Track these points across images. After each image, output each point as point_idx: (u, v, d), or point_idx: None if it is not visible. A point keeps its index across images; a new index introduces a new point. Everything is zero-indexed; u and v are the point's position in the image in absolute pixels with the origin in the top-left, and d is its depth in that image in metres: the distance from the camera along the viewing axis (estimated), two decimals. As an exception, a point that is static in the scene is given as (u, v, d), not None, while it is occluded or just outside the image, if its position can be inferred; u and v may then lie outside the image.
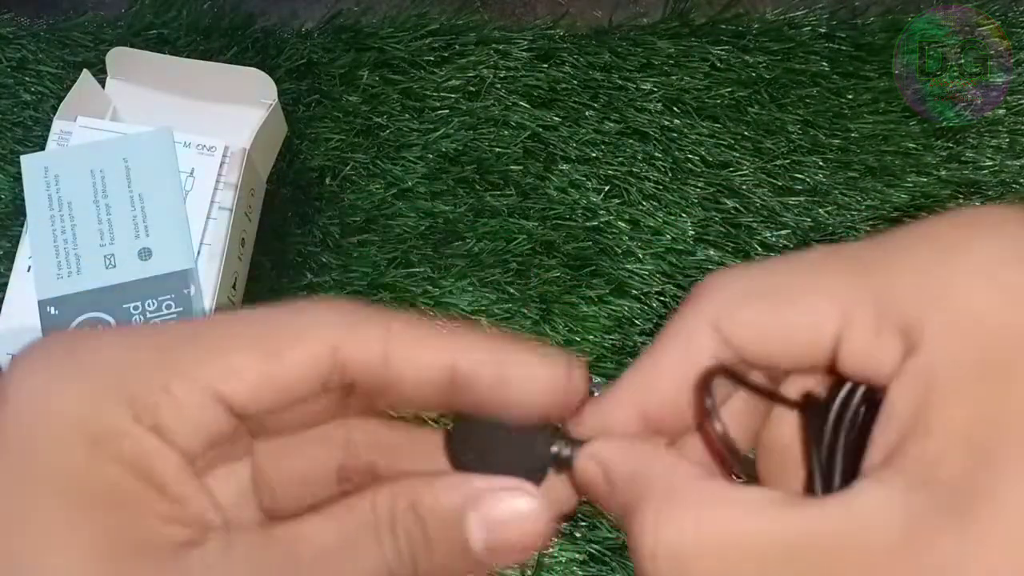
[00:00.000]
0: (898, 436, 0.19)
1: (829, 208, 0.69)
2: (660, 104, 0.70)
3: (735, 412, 0.25)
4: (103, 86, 0.65)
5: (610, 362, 0.64)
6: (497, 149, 0.69)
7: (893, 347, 0.20)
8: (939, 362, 0.19)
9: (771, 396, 0.24)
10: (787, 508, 0.20)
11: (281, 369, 0.22)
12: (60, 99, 0.62)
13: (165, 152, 0.60)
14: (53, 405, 0.21)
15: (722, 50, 0.72)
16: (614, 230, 0.67)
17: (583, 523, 0.61)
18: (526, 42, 0.72)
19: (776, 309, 0.22)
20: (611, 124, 0.70)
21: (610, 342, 0.64)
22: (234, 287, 0.62)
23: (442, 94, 0.70)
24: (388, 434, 0.26)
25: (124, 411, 0.21)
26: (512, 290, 0.66)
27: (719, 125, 0.70)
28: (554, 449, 0.26)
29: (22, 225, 0.59)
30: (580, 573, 0.60)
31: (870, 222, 0.69)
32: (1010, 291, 0.19)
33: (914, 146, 0.70)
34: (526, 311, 0.65)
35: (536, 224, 0.67)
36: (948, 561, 0.17)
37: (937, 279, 0.20)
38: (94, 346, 0.22)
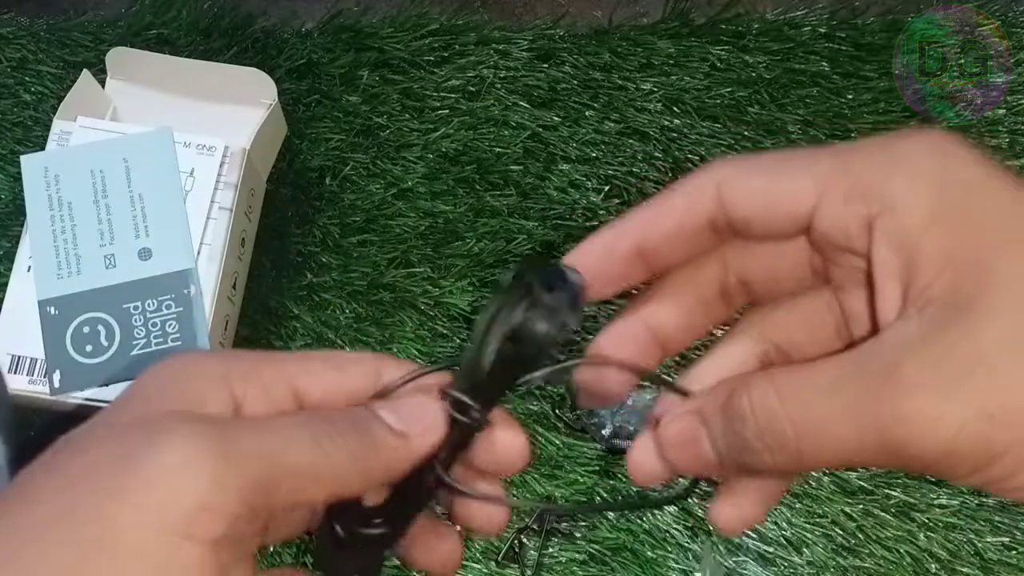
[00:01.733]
0: (898, 284, 0.24)
1: (829, 208, 0.69)
2: (660, 104, 0.70)
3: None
4: (103, 86, 0.65)
5: (610, 362, 0.64)
6: (497, 149, 0.69)
7: (858, 212, 0.25)
8: (907, 215, 0.24)
9: (667, 385, 0.29)
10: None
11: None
12: (60, 99, 0.62)
13: (165, 152, 0.60)
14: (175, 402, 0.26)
15: (722, 50, 0.72)
16: (614, 230, 0.67)
17: (583, 523, 0.61)
18: (526, 42, 0.72)
19: (768, 179, 0.26)
20: (611, 124, 0.70)
21: (610, 342, 0.64)
22: (234, 287, 0.62)
23: (442, 94, 0.70)
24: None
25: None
26: (512, 290, 0.65)
27: (719, 125, 0.70)
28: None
29: (22, 225, 0.59)
30: (580, 573, 0.60)
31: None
32: (948, 156, 0.25)
33: (914, 146, 0.70)
34: (526, 311, 0.65)
35: (536, 224, 0.67)
36: (961, 341, 0.22)
37: (891, 156, 0.25)
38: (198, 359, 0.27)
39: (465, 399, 0.27)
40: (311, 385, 0.27)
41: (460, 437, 0.27)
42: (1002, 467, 0.22)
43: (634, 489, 0.62)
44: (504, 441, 0.28)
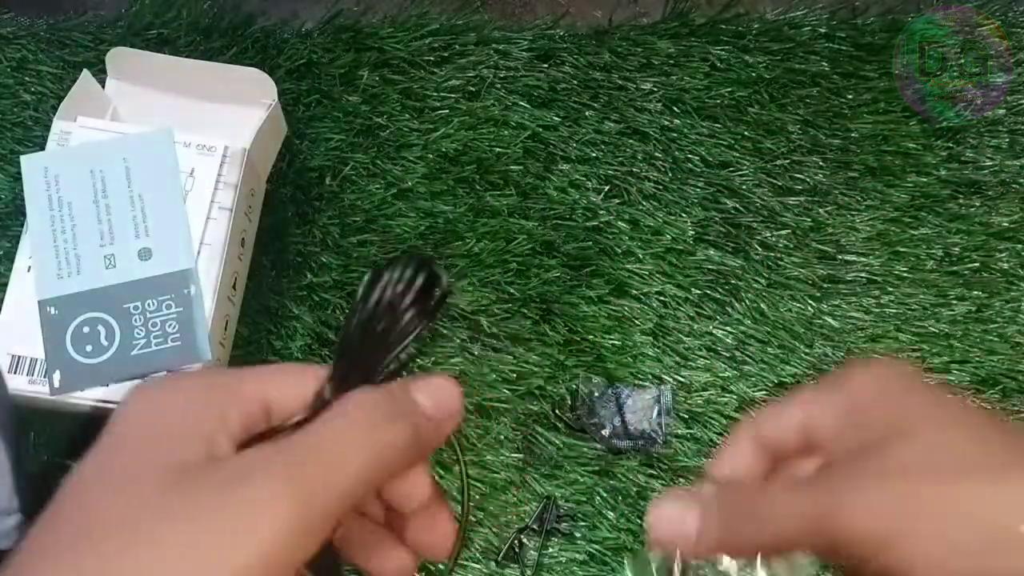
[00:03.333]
0: None
1: (829, 208, 0.69)
2: (660, 104, 0.70)
3: None
4: (103, 86, 0.65)
5: (610, 362, 0.64)
6: (497, 149, 0.69)
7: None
8: None
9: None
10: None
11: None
12: (60, 99, 0.62)
13: (165, 152, 0.60)
14: (165, 415, 0.26)
15: (722, 50, 0.72)
16: (614, 230, 0.67)
17: (583, 523, 0.61)
18: (526, 42, 0.72)
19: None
20: (611, 124, 0.70)
21: (610, 342, 0.64)
22: (234, 287, 0.62)
23: (442, 94, 0.70)
24: None
25: (213, 412, 0.26)
26: (512, 290, 0.65)
27: (719, 125, 0.70)
28: None
29: (22, 225, 0.59)
30: (580, 573, 0.60)
31: (870, 222, 0.69)
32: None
33: (914, 146, 0.70)
34: (526, 311, 0.65)
35: (536, 224, 0.67)
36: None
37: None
38: (177, 379, 0.27)
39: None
40: (280, 397, 0.27)
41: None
42: None
43: (633, 490, 0.62)
44: (433, 523, 0.28)
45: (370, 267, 0.66)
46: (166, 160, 0.59)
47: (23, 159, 0.59)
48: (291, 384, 0.27)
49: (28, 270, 0.57)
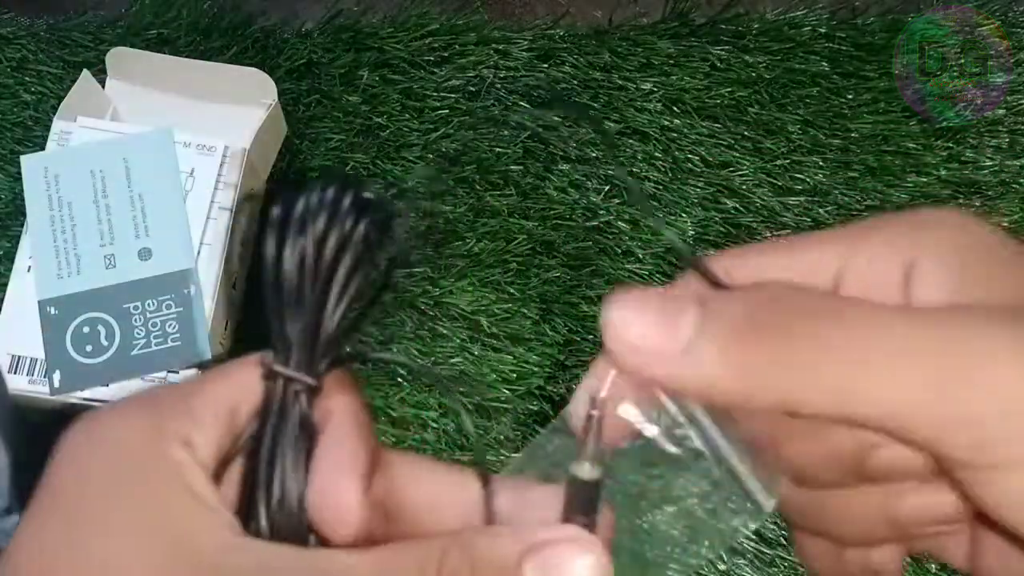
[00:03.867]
0: None
1: (829, 208, 0.69)
2: (660, 104, 0.70)
3: None
4: (103, 86, 0.65)
5: (610, 362, 0.64)
6: (497, 149, 0.69)
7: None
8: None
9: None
10: None
11: None
12: (60, 99, 0.62)
13: (165, 152, 0.60)
14: (107, 442, 0.22)
15: (722, 50, 0.72)
16: (614, 230, 0.67)
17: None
18: (526, 42, 0.72)
19: (782, 251, 0.22)
20: (611, 124, 0.70)
21: (610, 342, 0.64)
22: (234, 287, 0.62)
23: (442, 94, 0.70)
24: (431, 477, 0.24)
25: (159, 436, 0.22)
26: (512, 290, 0.66)
27: (719, 125, 0.70)
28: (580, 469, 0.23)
29: (22, 225, 0.59)
30: (580, 573, 0.60)
31: (870, 222, 0.68)
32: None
33: (914, 146, 0.70)
34: (526, 311, 0.65)
35: (536, 224, 0.67)
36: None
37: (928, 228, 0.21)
38: (124, 405, 0.23)
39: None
40: (245, 400, 0.23)
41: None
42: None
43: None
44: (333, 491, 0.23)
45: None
46: (166, 160, 0.59)
47: (23, 159, 0.59)
48: (254, 384, 0.23)
49: (28, 270, 0.57)
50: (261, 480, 0.22)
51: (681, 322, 0.20)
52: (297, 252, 0.22)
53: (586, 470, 0.23)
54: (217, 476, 0.22)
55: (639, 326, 0.20)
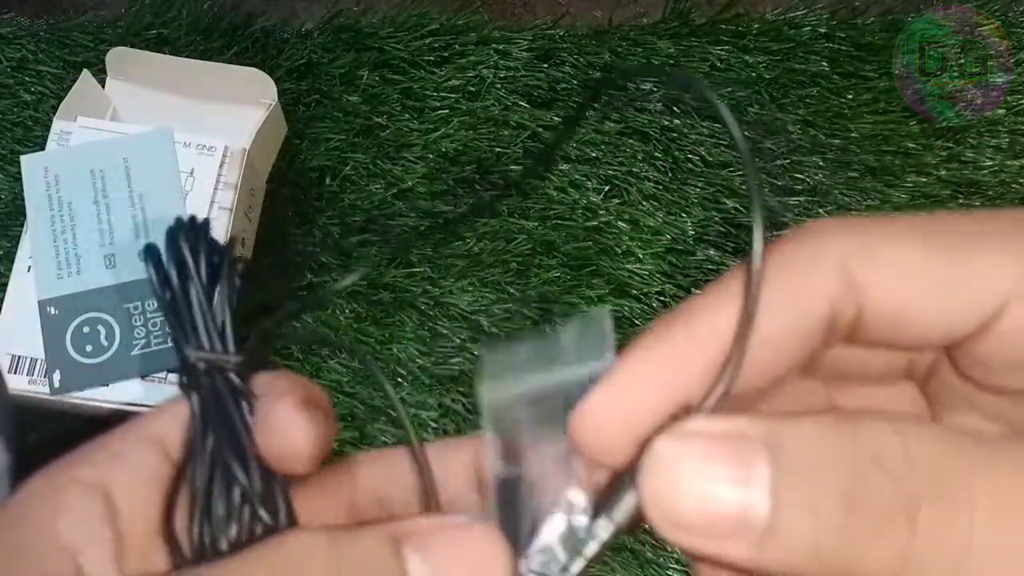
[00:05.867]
0: None
1: (829, 208, 0.69)
2: (660, 104, 0.70)
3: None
4: (103, 86, 0.65)
5: (610, 362, 0.64)
6: (497, 149, 0.69)
7: None
8: None
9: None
10: None
11: None
12: (60, 99, 0.62)
13: (165, 152, 0.60)
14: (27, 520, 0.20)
15: (722, 50, 0.72)
16: (614, 230, 0.67)
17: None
18: (526, 42, 0.72)
19: (937, 252, 0.16)
20: (611, 124, 0.70)
21: (610, 342, 0.64)
22: (234, 287, 0.62)
23: (442, 94, 0.70)
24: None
25: (41, 499, 0.20)
26: (512, 290, 0.66)
27: (719, 125, 0.70)
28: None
29: (22, 225, 0.59)
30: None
31: (870, 222, 0.68)
32: None
33: (914, 146, 0.70)
34: (526, 311, 0.65)
35: (536, 224, 0.67)
36: None
37: None
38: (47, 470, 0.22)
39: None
40: (176, 427, 0.23)
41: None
42: None
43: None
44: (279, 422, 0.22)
45: (371, 267, 0.66)
46: (166, 160, 0.59)
47: (23, 159, 0.59)
48: (168, 414, 0.22)
49: (28, 270, 0.57)
50: (205, 481, 0.22)
51: (754, 484, 0.15)
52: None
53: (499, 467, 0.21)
54: (168, 505, 0.22)
55: (693, 495, 0.15)
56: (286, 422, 0.21)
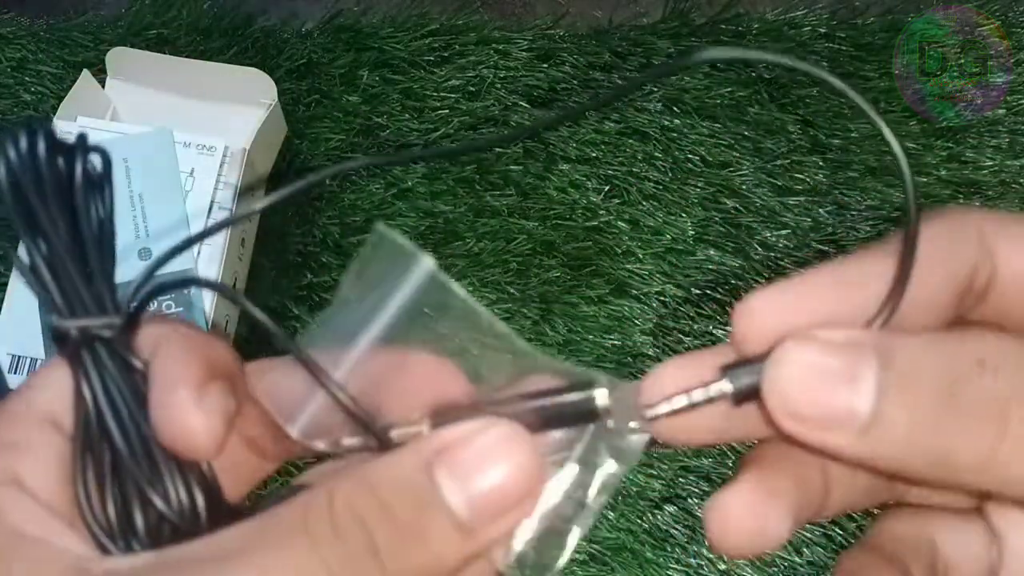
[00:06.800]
0: None
1: (829, 208, 0.69)
2: (660, 104, 0.70)
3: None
4: (103, 86, 0.65)
5: (610, 362, 0.64)
6: (497, 149, 0.69)
7: None
8: None
9: None
10: None
11: None
12: (60, 99, 0.62)
13: (165, 152, 0.60)
14: None
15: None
16: (614, 230, 0.67)
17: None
18: (526, 42, 0.72)
19: None
20: (611, 124, 0.70)
21: (610, 342, 0.64)
22: (234, 287, 0.62)
23: (442, 94, 0.70)
24: None
25: None
26: (512, 290, 0.65)
27: (719, 125, 0.70)
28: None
29: (22, 225, 0.59)
30: (580, 573, 0.60)
31: (870, 222, 0.69)
32: None
33: (914, 146, 0.70)
34: (526, 311, 0.65)
35: (536, 224, 0.67)
36: None
37: None
38: None
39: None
40: (62, 398, 0.21)
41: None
42: None
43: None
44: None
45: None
46: (166, 160, 0.59)
47: (23, 159, 0.59)
48: (50, 386, 0.21)
49: (28, 270, 0.57)
50: (97, 457, 0.20)
51: (862, 382, 0.17)
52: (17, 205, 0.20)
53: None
54: (76, 483, 0.21)
55: (808, 388, 0.17)
56: (182, 416, 0.20)
